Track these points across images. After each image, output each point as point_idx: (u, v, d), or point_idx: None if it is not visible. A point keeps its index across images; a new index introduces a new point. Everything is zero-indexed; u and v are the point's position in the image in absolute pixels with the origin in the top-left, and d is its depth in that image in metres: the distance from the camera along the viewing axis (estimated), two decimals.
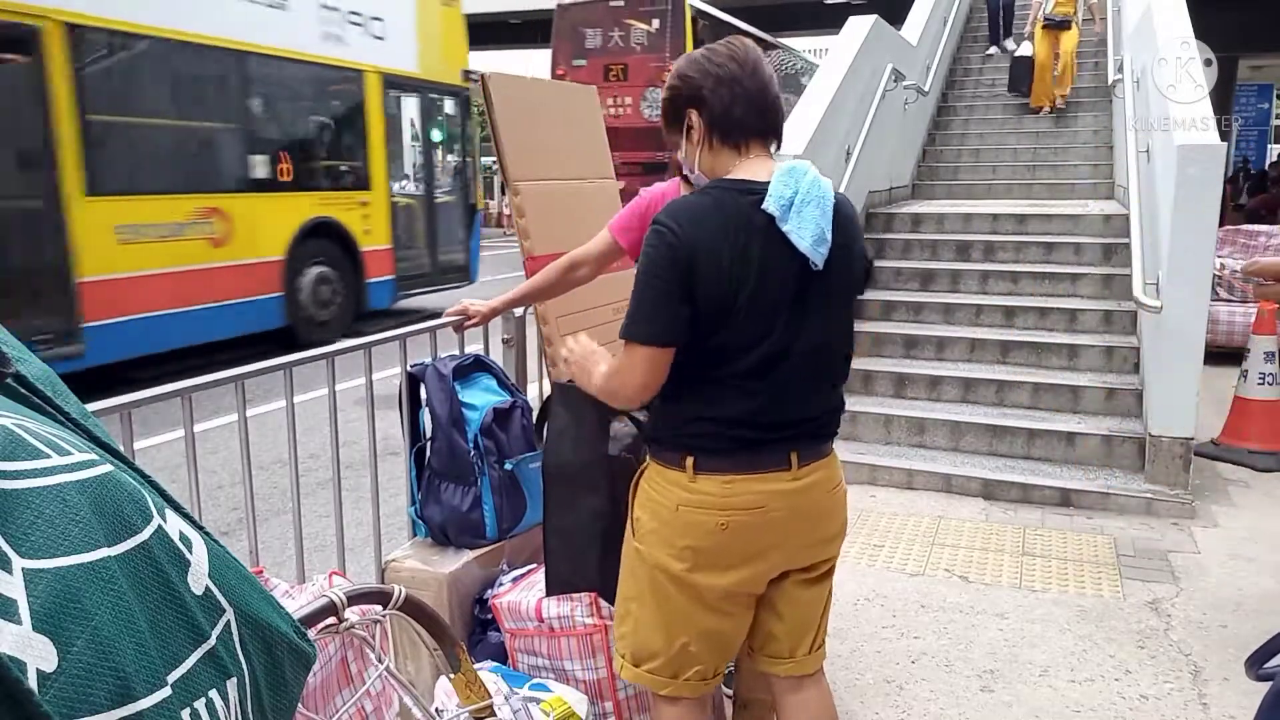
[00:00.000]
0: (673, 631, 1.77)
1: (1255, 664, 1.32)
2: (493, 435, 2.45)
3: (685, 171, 1.84)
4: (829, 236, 1.62)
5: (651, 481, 1.76)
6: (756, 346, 1.63)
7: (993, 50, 10.23)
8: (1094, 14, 9.28)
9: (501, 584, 2.41)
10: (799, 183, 1.61)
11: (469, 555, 2.46)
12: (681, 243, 1.57)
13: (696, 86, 1.68)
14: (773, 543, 1.73)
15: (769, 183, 1.62)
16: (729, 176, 1.67)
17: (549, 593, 2.23)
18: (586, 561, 2.18)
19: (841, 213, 1.68)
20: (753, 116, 1.67)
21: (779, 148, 1.75)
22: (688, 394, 1.68)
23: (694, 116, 1.70)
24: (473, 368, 2.59)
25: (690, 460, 1.68)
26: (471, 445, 2.43)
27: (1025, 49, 9.30)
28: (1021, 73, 9.33)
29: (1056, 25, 8.98)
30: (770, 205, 1.59)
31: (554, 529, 2.24)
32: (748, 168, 1.67)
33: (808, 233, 1.59)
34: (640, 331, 1.62)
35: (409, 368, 2.54)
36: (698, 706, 1.85)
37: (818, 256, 1.61)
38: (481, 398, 2.51)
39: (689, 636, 1.76)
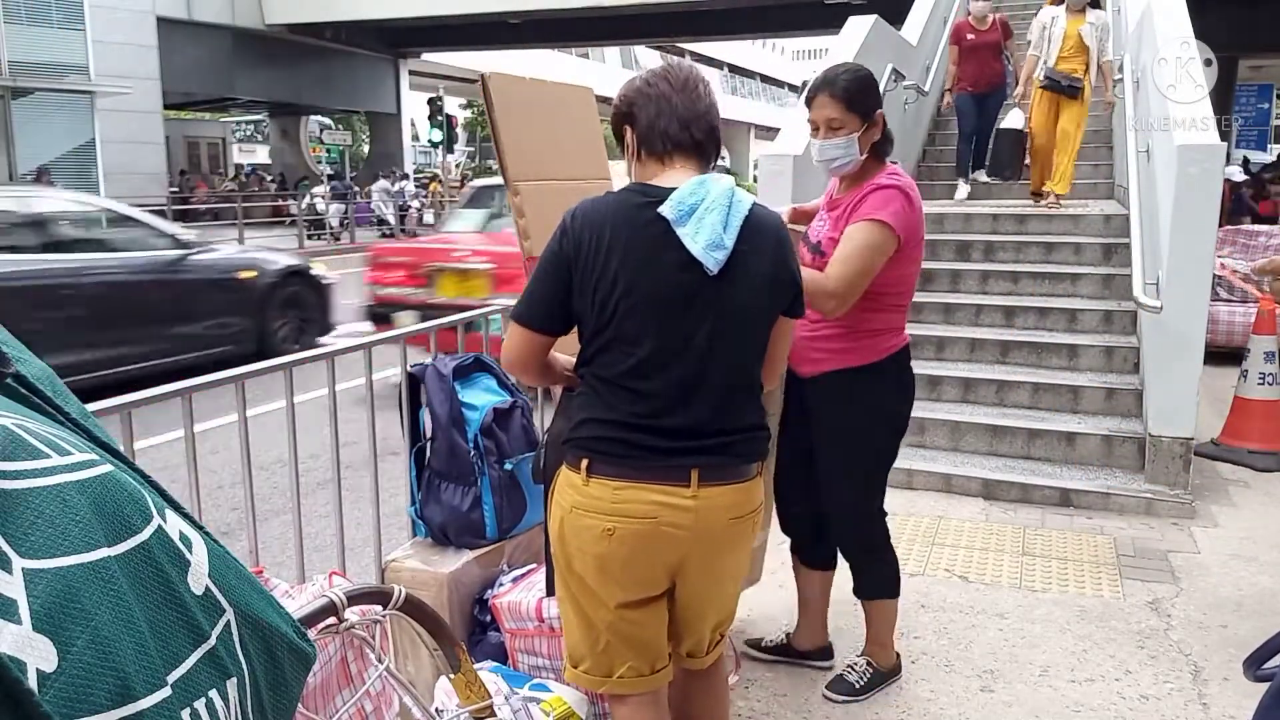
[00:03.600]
0: (591, 632, 1.78)
1: (1254, 665, 1.32)
2: (493, 435, 2.46)
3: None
4: (727, 243, 1.64)
5: (558, 483, 1.78)
6: (639, 344, 1.66)
7: (962, 187, 7.58)
8: (1104, 77, 6.78)
9: (501, 584, 2.41)
10: (708, 192, 1.66)
11: (469, 555, 2.46)
12: (570, 236, 1.68)
13: (630, 104, 1.78)
14: (666, 560, 1.73)
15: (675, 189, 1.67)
16: (642, 182, 1.74)
17: (549, 594, 2.23)
18: None
19: (754, 223, 1.70)
20: (676, 130, 1.73)
21: (712, 161, 1.78)
22: (585, 395, 1.74)
23: (629, 133, 1.80)
24: (473, 368, 2.59)
25: (585, 463, 1.70)
26: (471, 445, 2.43)
27: (1013, 119, 7.03)
28: (1006, 150, 6.98)
29: (1060, 88, 6.58)
30: (666, 210, 1.64)
31: None
32: (668, 177, 1.72)
33: (702, 237, 1.63)
34: (518, 310, 1.76)
35: (409, 368, 2.55)
36: (649, 703, 1.83)
37: (711, 261, 1.64)
38: (481, 398, 2.51)
39: (607, 637, 1.77)
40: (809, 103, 2.39)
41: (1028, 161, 7.12)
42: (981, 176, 7.55)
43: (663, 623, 1.82)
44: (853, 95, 2.33)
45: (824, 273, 2.31)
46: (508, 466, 2.47)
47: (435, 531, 2.50)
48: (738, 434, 1.74)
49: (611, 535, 1.68)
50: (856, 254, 2.30)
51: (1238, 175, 12.59)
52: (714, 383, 1.70)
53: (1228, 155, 13.42)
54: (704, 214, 1.64)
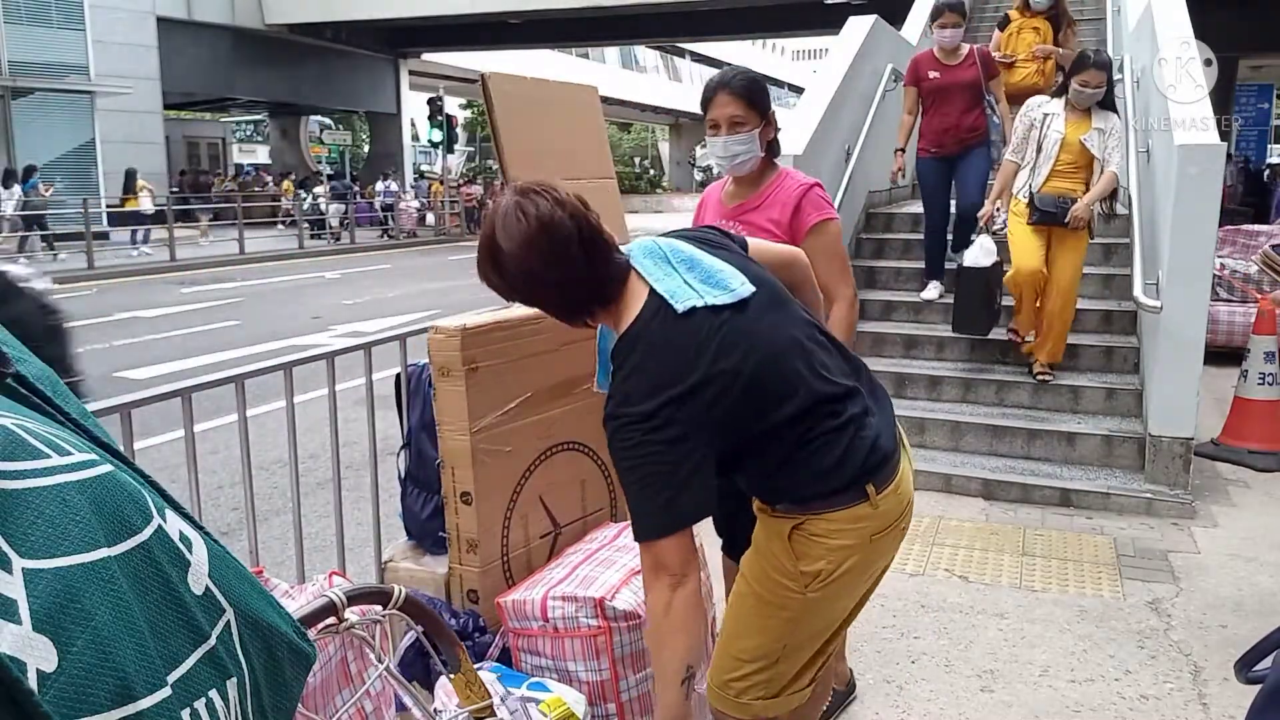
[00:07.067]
0: (823, 649, 1.80)
1: (1245, 667, 1.33)
2: None
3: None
4: (723, 268, 1.62)
5: (824, 533, 1.64)
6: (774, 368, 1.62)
7: (932, 290, 5.69)
8: (1095, 186, 4.60)
9: None
10: (669, 260, 1.62)
11: None
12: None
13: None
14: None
15: (653, 290, 1.58)
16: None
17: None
18: None
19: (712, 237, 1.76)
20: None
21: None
22: (820, 444, 1.62)
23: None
24: None
25: (872, 488, 1.63)
26: (439, 454, 2.40)
27: (980, 251, 4.85)
28: (973, 298, 4.91)
29: (1056, 220, 4.57)
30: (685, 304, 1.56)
31: None
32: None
33: (711, 287, 1.59)
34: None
35: (408, 369, 2.54)
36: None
37: (743, 290, 1.59)
38: None
39: (825, 647, 1.80)
40: (707, 104, 2.34)
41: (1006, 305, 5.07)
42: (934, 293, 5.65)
43: None
44: (751, 92, 2.29)
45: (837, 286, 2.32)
46: None
47: (410, 533, 2.51)
48: (865, 373, 1.82)
49: (901, 531, 1.73)
50: (842, 251, 2.39)
51: None
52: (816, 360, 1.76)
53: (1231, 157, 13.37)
54: (686, 274, 1.64)
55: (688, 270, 1.61)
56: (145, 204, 17.05)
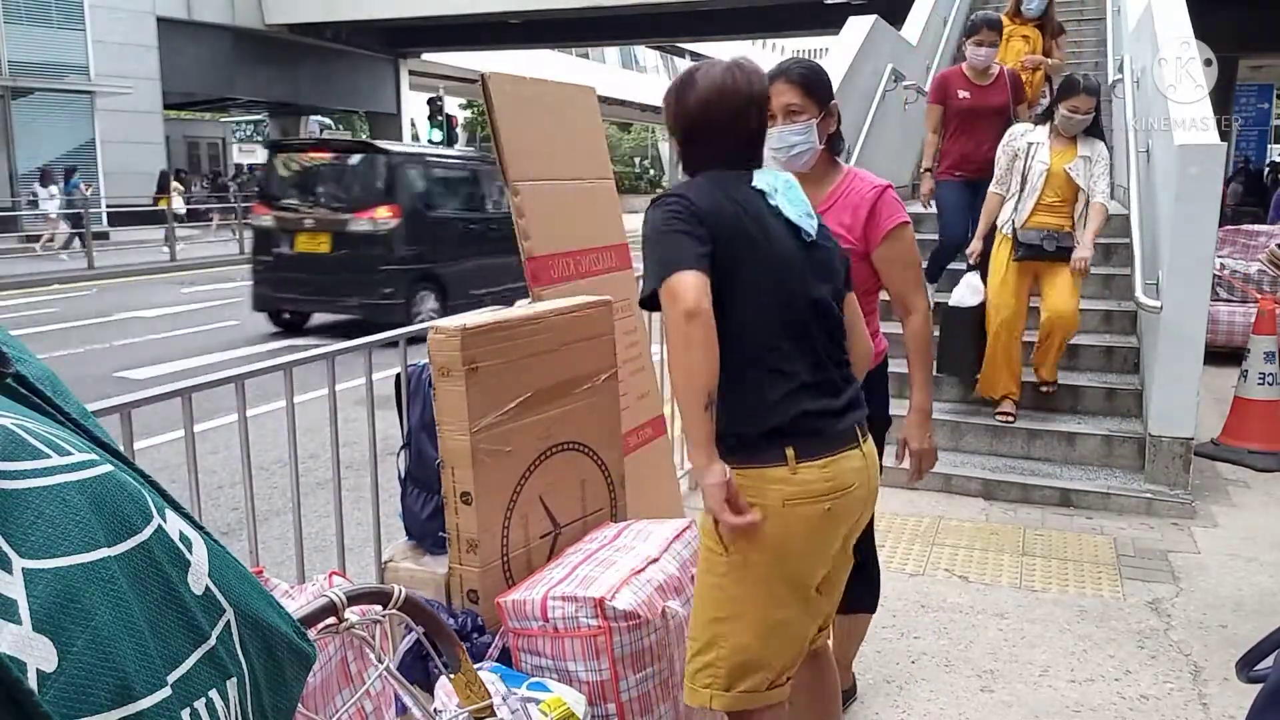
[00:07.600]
0: (775, 637, 1.77)
1: (1246, 666, 1.32)
2: None
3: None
4: (812, 212, 1.81)
5: (742, 490, 1.70)
6: (777, 296, 1.73)
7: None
8: (1087, 223, 4.39)
9: None
10: (776, 175, 1.82)
11: None
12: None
13: None
14: (852, 523, 1.81)
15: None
16: None
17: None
18: None
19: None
20: None
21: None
22: (764, 376, 1.73)
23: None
24: None
25: (792, 451, 1.70)
26: (439, 454, 2.40)
27: (966, 290, 4.68)
28: (960, 341, 4.70)
29: (1045, 254, 4.40)
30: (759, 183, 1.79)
31: None
32: None
33: (790, 205, 1.78)
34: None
35: (408, 369, 2.54)
36: (783, 712, 1.86)
37: (809, 226, 1.77)
38: None
39: (793, 634, 1.79)
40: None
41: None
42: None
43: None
44: (809, 81, 2.17)
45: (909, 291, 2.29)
46: None
47: (410, 533, 2.51)
48: (854, 383, 1.84)
49: (829, 513, 1.73)
50: (918, 258, 2.34)
51: None
52: (839, 341, 1.82)
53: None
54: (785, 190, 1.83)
55: (785, 188, 1.79)
56: (177, 203, 17.91)
